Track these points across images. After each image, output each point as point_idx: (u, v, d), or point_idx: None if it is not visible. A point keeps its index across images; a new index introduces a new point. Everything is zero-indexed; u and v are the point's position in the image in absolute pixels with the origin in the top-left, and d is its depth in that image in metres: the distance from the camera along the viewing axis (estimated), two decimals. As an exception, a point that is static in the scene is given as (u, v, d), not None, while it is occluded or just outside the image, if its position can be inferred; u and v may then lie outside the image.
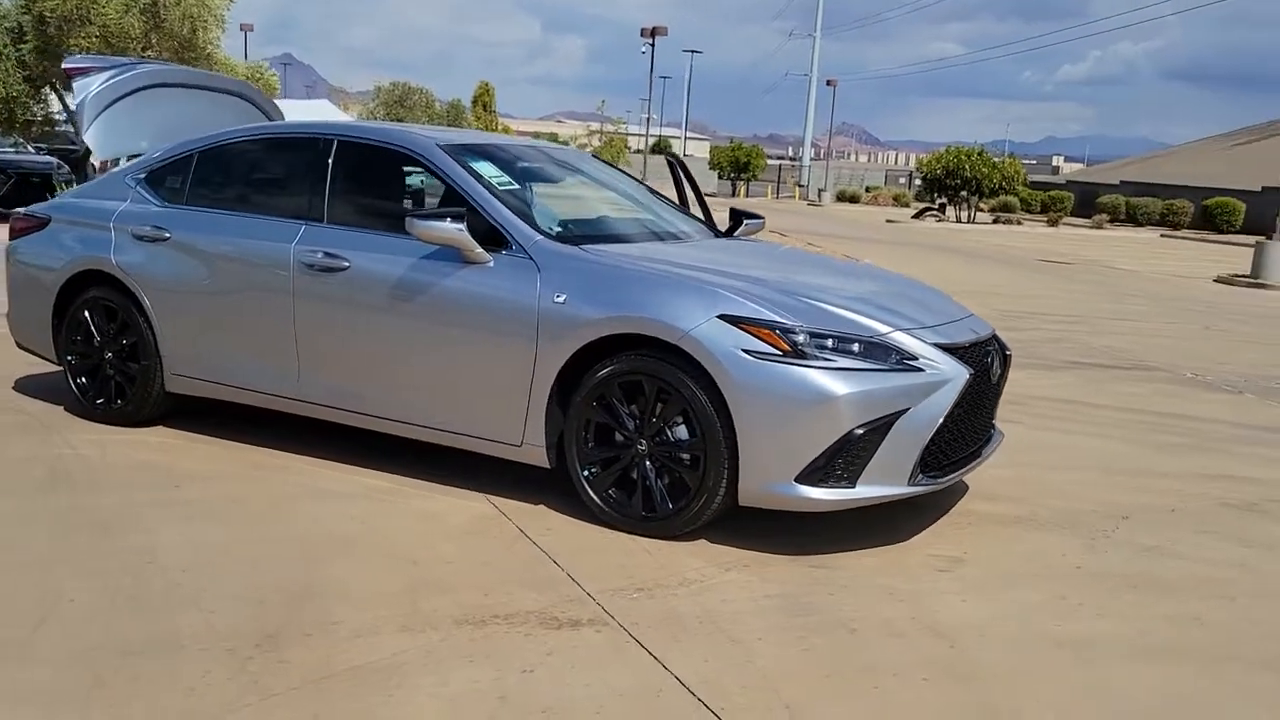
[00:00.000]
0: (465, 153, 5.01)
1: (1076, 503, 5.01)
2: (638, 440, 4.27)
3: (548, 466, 4.53)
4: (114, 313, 5.58)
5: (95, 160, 6.16)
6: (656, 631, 3.45)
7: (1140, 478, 5.52)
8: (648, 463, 4.26)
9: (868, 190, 61.71)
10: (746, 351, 4.01)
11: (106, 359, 5.62)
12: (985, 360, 4.50)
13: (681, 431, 4.20)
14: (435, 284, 4.62)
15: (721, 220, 6.04)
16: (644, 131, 65.13)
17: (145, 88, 6.16)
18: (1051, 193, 45.69)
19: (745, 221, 6.04)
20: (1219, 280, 20.38)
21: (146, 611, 3.46)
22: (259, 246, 5.10)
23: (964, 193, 38.66)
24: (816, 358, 4.00)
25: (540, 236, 4.58)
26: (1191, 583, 4.14)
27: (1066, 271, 20.09)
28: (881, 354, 4.10)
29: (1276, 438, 6.65)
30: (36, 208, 6.07)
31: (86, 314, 5.64)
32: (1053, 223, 39.89)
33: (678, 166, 6.52)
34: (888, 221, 37.48)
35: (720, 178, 65.01)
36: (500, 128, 60.70)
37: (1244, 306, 15.66)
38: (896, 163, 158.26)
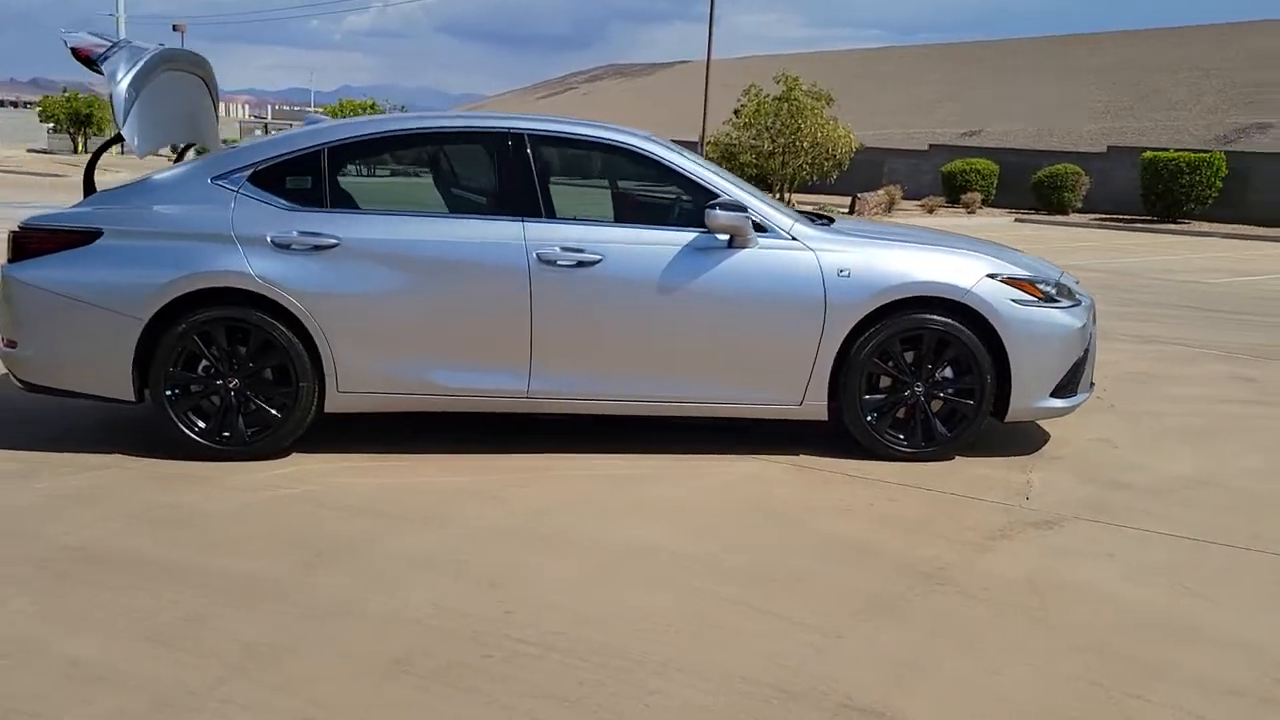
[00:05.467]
0: (675, 147, 5.33)
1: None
2: (914, 383, 5.17)
3: (825, 419, 5.22)
4: (243, 334, 4.91)
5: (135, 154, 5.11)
6: (1090, 516, 4.55)
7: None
8: (922, 399, 5.20)
9: (226, 143, 58.95)
10: (1015, 302, 5.13)
11: (229, 388, 4.93)
12: (1076, 297, 6.05)
13: (948, 371, 5.20)
14: (708, 270, 5.00)
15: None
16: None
17: (155, 71, 5.25)
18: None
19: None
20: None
21: (777, 579, 3.76)
22: (479, 247, 4.93)
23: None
24: (1057, 301, 5.25)
25: (794, 222, 5.18)
26: (1212, 426, 6.15)
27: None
28: (1069, 294, 5.46)
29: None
30: (69, 217, 4.97)
31: (197, 339, 4.88)
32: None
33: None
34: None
35: (55, 131, 58.01)
36: None
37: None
38: (226, 113, 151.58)
